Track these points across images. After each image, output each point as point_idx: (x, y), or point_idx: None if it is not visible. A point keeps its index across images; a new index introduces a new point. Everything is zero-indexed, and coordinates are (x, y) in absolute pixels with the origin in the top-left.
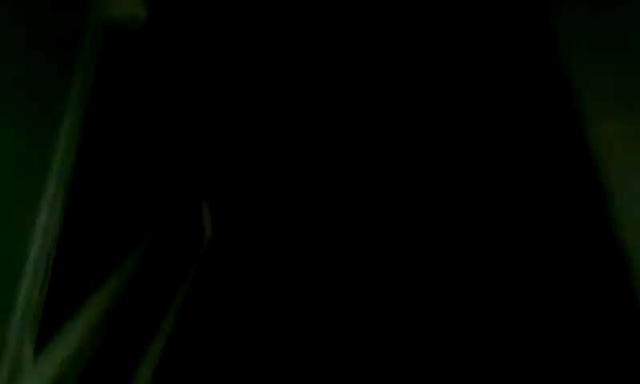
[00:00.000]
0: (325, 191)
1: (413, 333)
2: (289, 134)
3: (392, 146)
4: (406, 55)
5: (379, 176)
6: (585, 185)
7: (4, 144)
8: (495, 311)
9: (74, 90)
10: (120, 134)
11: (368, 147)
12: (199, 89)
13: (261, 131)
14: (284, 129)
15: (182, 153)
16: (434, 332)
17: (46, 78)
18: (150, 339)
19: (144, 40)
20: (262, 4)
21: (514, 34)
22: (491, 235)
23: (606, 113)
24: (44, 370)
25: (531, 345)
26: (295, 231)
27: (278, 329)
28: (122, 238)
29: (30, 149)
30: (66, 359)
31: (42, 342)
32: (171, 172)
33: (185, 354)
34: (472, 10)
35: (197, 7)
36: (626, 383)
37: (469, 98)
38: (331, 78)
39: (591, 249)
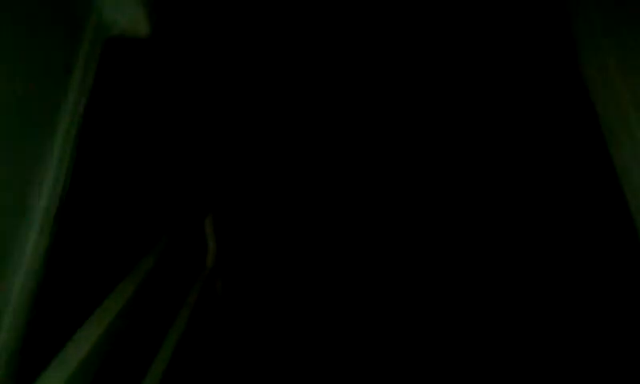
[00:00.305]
0: (337, 211)
1: (423, 339)
2: (299, 151)
3: (408, 157)
4: (414, 55)
5: (390, 189)
6: (603, 189)
7: None
8: (505, 312)
9: (67, 104)
10: (118, 147)
11: (378, 164)
12: (205, 101)
13: (269, 147)
14: (295, 145)
15: (185, 168)
16: (447, 335)
17: (36, 91)
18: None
19: (147, 51)
20: (268, 22)
21: (533, 37)
22: (506, 236)
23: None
24: None
25: (544, 345)
26: (306, 256)
27: (286, 361)
28: (116, 264)
29: (16, 165)
30: None
31: None
32: (173, 189)
33: None
34: (491, 14)
35: (203, 22)
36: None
37: (486, 102)
38: (338, 95)
39: (611, 255)
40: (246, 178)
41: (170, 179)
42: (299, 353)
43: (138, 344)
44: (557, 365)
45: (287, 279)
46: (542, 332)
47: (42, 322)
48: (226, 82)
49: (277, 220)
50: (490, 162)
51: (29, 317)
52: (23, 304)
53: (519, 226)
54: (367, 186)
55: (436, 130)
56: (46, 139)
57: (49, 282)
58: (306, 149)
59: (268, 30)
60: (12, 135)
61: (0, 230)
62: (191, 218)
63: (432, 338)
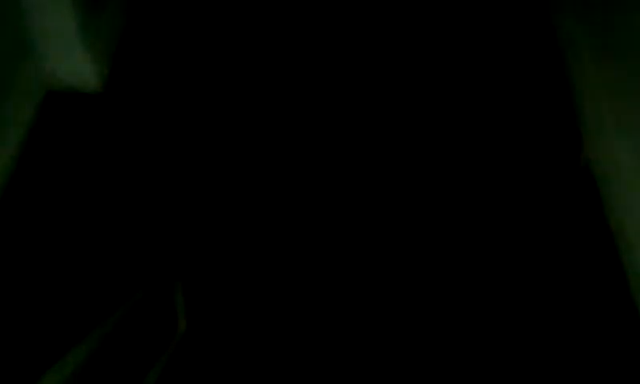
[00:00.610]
0: (317, 271)
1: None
2: (269, 214)
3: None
4: (406, 59)
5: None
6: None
7: None
8: (491, 313)
9: None
10: (62, 205)
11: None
12: (169, 156)
13: (237, 206)
14: (264, 206)
15: (148, 231)
16: (435, 340)
17: None
18: None
19: (98, 106)
20: (231, 76)
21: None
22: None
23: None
24: None
25: (527, 348)
26: (284, 327)
27: None
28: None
29: None
30: None
31: None
32: (134, 254)
33: None
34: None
35: (159, 76)
36: None
37: (474, 110)
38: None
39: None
40: (217, 240)
41: (131, 243)
42: None
43: None
44: (549, 366)
45: (263, 353)
46: (535, 332)
47: None
48: (190, 137)
49: (257, 291)
50: (477, 181)
51: None
52: None
53: (507, 233)
54: (346, 241)
55: (423, 139)
56: None
57: None
58: (278, 209)
59: (230, 84)
60: None
61: None
62: (157, 285)
63: (421, 342)
